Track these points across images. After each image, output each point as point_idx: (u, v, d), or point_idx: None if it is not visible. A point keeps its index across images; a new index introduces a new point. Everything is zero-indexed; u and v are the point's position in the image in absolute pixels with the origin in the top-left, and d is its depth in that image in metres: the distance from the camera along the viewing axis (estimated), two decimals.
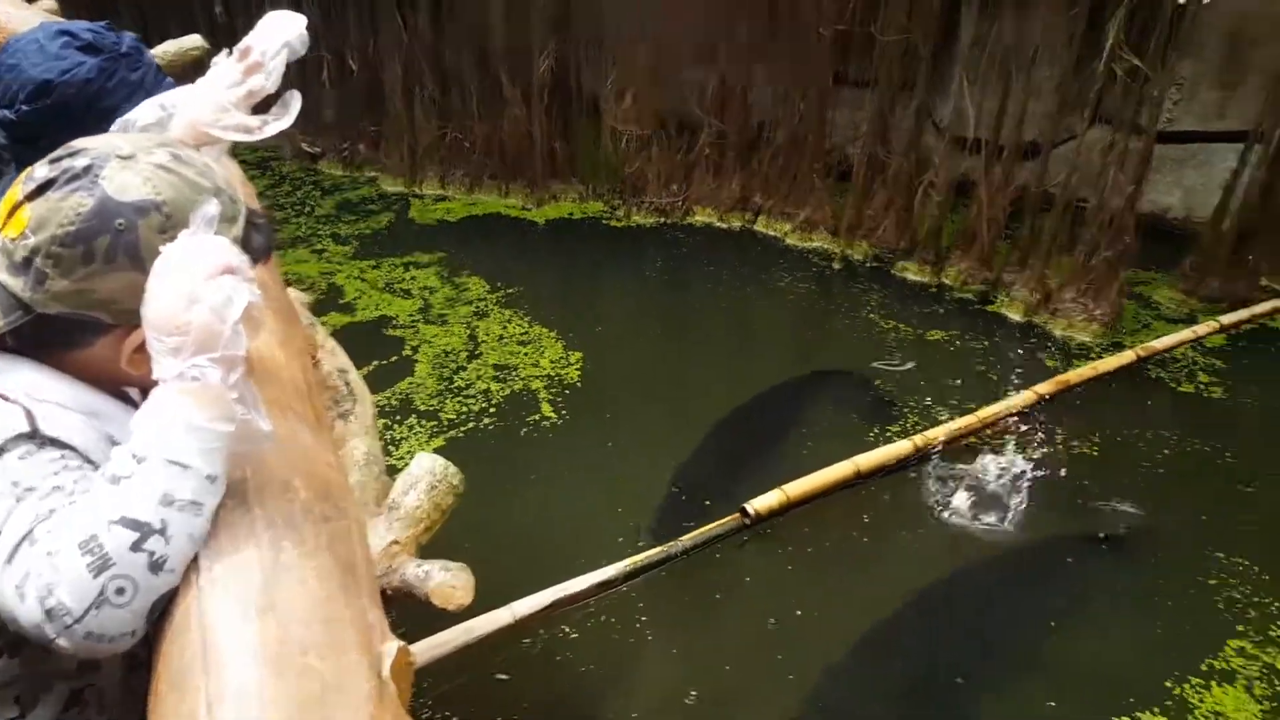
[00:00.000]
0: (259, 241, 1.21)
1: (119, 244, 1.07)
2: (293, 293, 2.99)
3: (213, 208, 1.06)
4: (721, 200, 5.91)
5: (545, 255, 5.57)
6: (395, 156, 6.24)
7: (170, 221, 1.08)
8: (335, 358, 2.62)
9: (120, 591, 0.95)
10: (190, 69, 3.26)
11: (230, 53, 1.53)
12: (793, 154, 5.66)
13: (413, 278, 5.11)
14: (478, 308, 4.80)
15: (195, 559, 1.04)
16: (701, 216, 5.94)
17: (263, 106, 1.54)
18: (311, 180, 6.43)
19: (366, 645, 1.07)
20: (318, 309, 4.51)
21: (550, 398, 4.08)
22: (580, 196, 6.09)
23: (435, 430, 3.83)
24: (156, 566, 0.98)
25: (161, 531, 0.98)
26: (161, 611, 1.01)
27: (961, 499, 3.60)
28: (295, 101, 1.50)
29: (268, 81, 1.51)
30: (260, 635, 1.01)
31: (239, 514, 1.15)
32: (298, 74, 1.67)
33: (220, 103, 1.48)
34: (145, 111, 1.55)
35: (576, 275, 5.31)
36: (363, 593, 1.17)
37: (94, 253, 1.06)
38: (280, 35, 1.53)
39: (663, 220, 5.89)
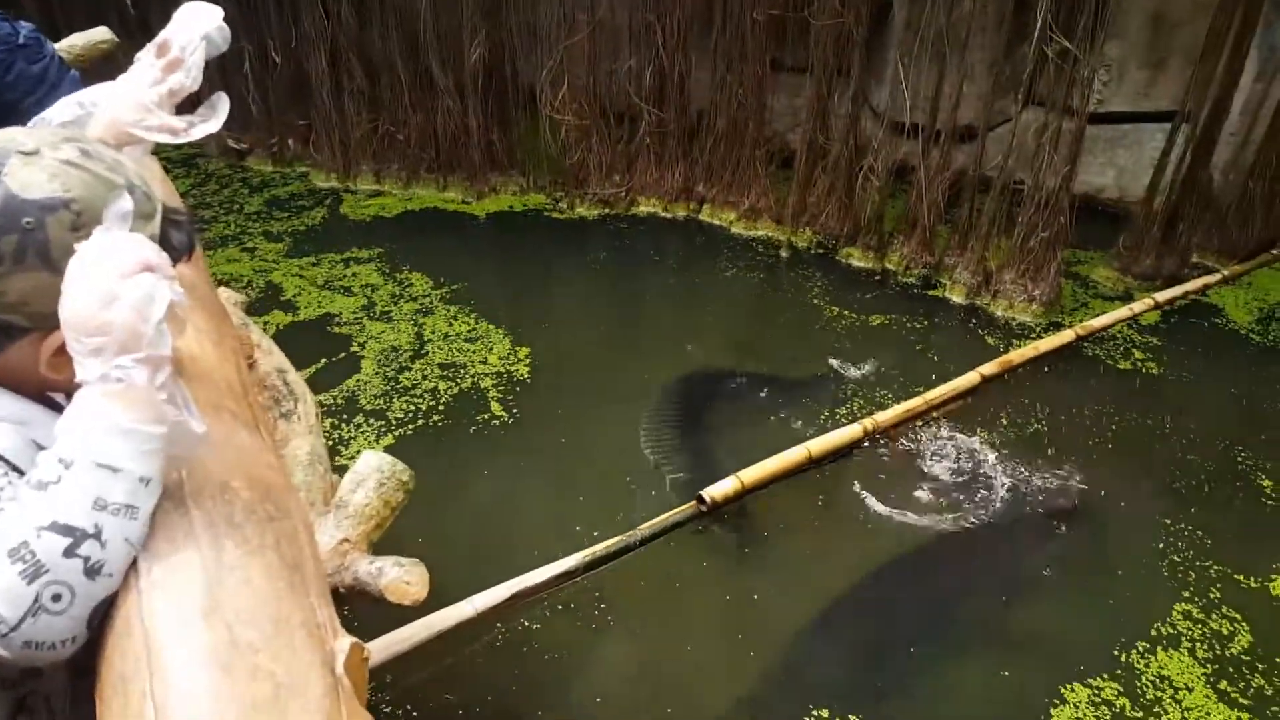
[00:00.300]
0: (178, 238, 1.17)
1: (28, 244, 1.01)
2: (225, 292, 2.90)
3: (126, 204, 1.02)
4: (665, 190, 5.89)
5: (488, 249, 5.49)
6: (326, 151, 6.10)
7: (81, 219, 1.03)
8: (272, 357, 2.54)
9: (57, 598, 0.93)
10: (100, 62, 3.13)
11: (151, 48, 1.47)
12: (733, 142, 5.66)
13: (354, 274, 5.00)
14: (422, 304, 4.71)
15: (134, 562, 1.01)
16: (646, 207, 5.92)
17: (186, 106, 1.48)
18: (240, 178, 6.26)
19: (319, 643, 1.03)
20: (256, 308, 4.41)
21: (500, 395, 4.02)
22: (521, 189, 6.02)
23: (384, 429, 3.75)
24: (93, 572, 0.95)
25: (96, 536, 0.95)
26: (103, 616, 0.98)
27: (913, 480, 3.63)
28: (223, 105, 1.45)
29: (188, 79, 1.45)
30: (206, 637, 0.98)
31: (177, 516, 1.12)
32: (217, 67, 1.61)
33: (142, 102, 1.42)
34: (62, 110, 1.48)
35: (522, 269, 5.24)
36: (311, 591, 1.13)
37: (1, 253, 1.01)
38: (198, 28, 1.47)
39: (607, 211, 5.85)
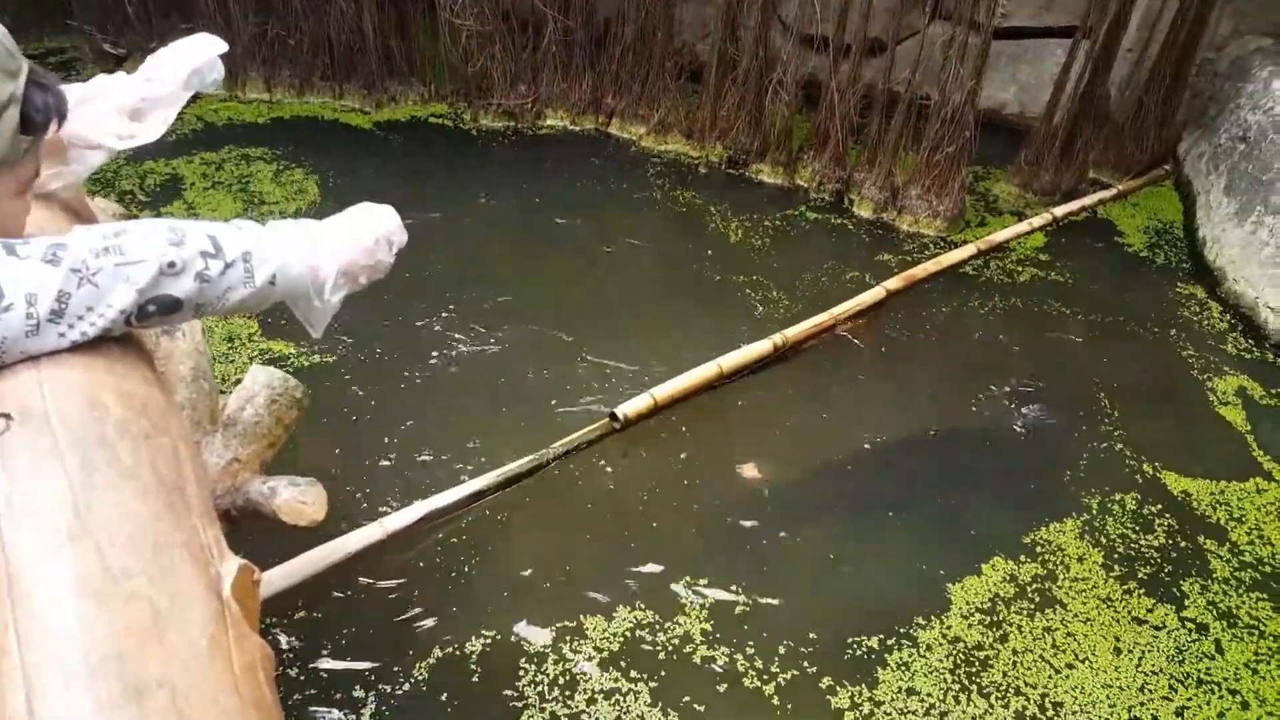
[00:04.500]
0: (43, 100, 1.13)
1: None
2: (101, 202, 2.70)
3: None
4: (572, 102, 5.71)
5: (383, 162, 5.21)
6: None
7: None
8: None
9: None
10: None
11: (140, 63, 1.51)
12: (642, 52, 5.51)
13: (249, 177, 4.72)
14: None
15: None
16: (553, 120, 5.74)
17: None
18: None
19: (203, 567, 0.97)
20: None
21: (414, 308, 3.88)
22: (423, 98, 5.76)
23: (286, 354, 3.60)
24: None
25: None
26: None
27: (834, 387, 3.69)
28: (163, 125, 1.49)
29: (158, 99, 1.49)
30: (74, 564, 0.91)
31: (39, 436, 1.04)
32: None
33: (103, 111, 1.45)
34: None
35: (423, 186, 5.02)
36: (194, 512, 1.06)
37: None
38: (191, 59, 1.50)
39: (512, 124, 5.65)
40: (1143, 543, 3.13)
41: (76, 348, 1.11)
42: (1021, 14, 5.46)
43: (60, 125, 1.20)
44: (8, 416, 1.02)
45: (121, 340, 1.22)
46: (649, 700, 2.44)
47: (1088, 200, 5.27)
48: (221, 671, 0.90)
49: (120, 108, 1.44)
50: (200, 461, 1.23)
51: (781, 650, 2.62)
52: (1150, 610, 2.87)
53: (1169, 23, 5.15)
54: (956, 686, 2.57)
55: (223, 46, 1.53)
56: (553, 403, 3.47)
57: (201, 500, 1.09)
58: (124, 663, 0.83)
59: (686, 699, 2.46)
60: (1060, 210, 5.12)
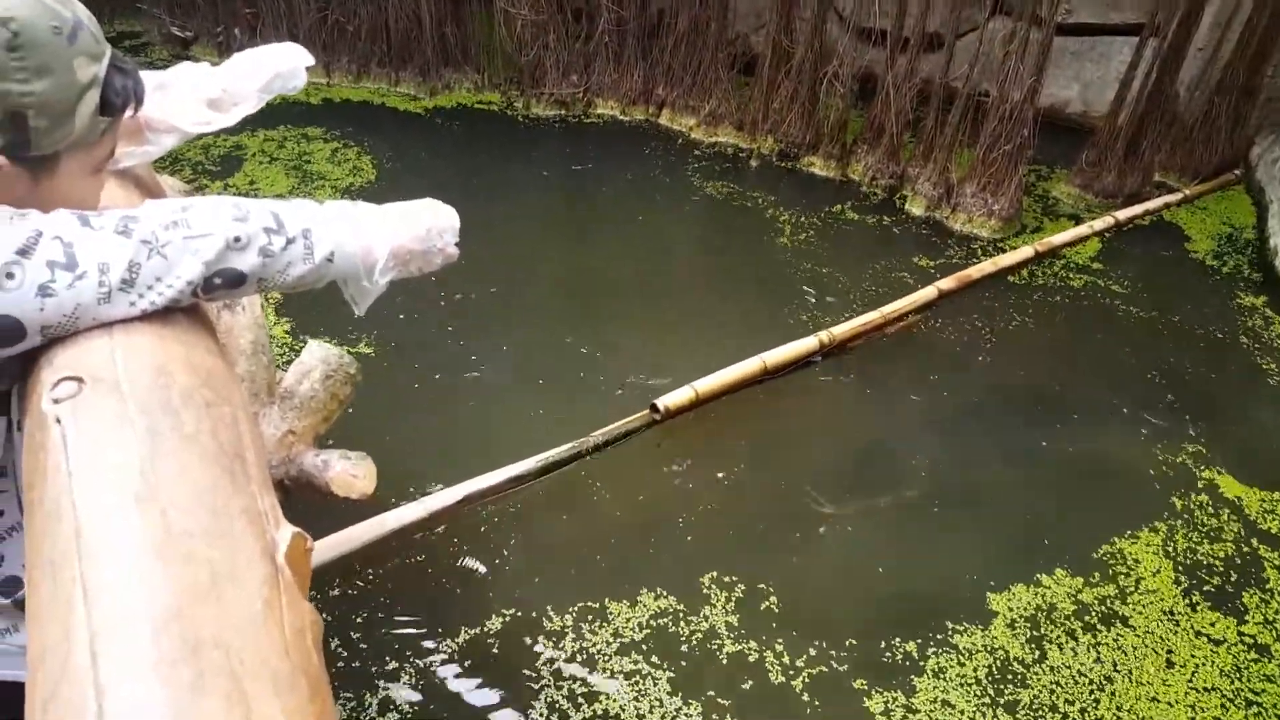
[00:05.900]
0: (123, 84, 1.16)
1: None
2: (168, 180, 2.76)
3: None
4: (624, 92, 5.72)
5: (436, 147, 5.28)
6: (273, 41, 5.78)
7: (19, 40, 1.00)
8: None
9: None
10: None
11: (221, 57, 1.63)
12: (695, 43, 5.50)
13: (307, 155, 4.80)
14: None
15: (65, 445, 0.98)
16: (604, 109, 5.75)
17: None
18: None
19: (259, 532, 0.99)
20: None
21: (460, 293, 3.92)
22: (476, 86, 5.81)
23: (343, 330, 3.65)
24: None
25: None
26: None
27: (888, 383, 3.65)
28: (238, 116, 1.53)
29: (237, 95, 1.54)
30: (139, 523, 0.94)
31: (110, 400, 1.07)
32: None
33: (184, 99, 1.49)
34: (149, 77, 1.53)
35: (473, 171, 5.07)
36: (252, 480, 1.08)
37: None
38: (276, 64, 1.56)
39: (564, 113, 5.68)
40: (1206, 551, 3.05)
41: (147, 317, 1.14)
42: (1087, 10, 5.35)
43: (137, 110, 1.23)
44: (79, 380, 1.05)
45: (189, 312, 1.25)
46: (669, 688, 2.44)
47: (1152, 204, 5.14)
48: (274, 634, 0.92)
49: (199, 96, 1.48)
50: (258, 432, 1.26)
51: (812, 650, 2.59)
52: (1212, 624, 2.80)
53: (1244, 20, 5.01)
54: (986, 699, 2.54)
55: (309, 60, 1.58)
56: (592, 391, 3.48)
57: (259, 469, 1.12)
58: (183, 620, 0.85)
59: (710, 691, 2.45)
60: (1123, 214, 5.00)
